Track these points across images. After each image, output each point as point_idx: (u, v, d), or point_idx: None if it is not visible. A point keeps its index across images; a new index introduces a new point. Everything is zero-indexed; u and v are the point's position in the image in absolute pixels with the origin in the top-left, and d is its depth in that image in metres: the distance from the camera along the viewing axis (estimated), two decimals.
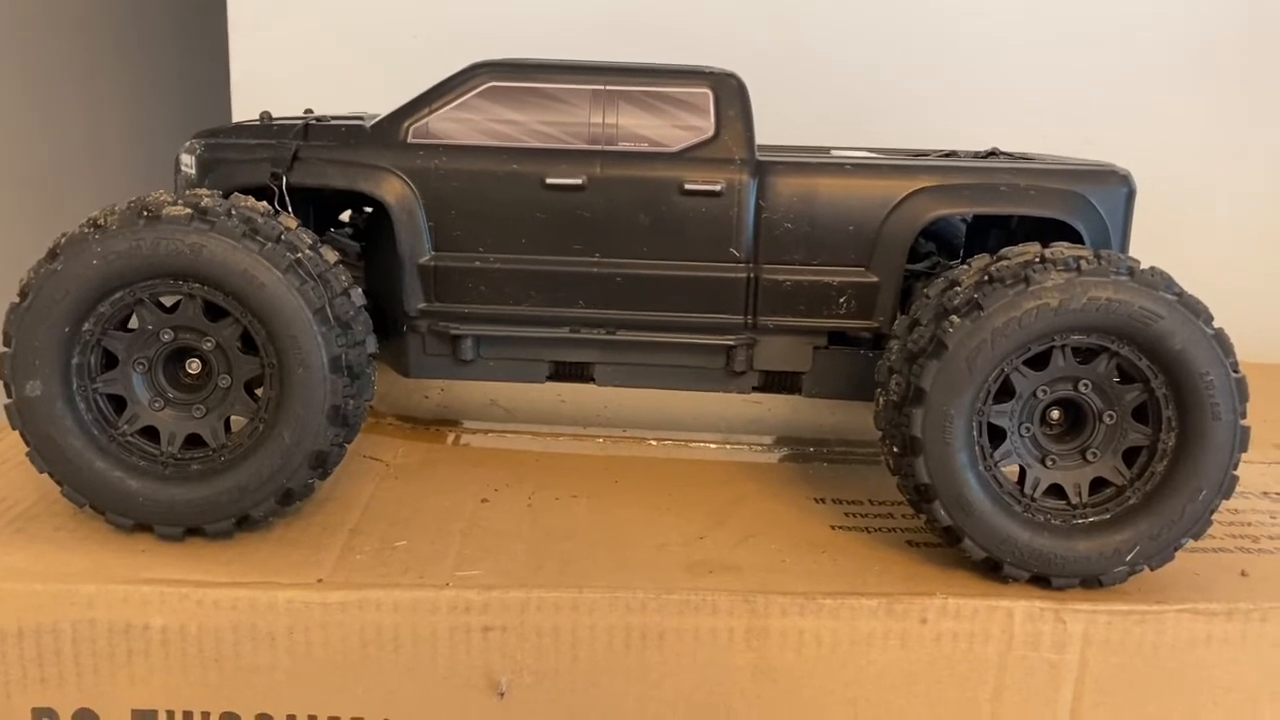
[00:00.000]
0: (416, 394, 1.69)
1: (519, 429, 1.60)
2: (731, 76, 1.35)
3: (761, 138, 1.35)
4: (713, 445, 1.57)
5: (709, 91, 1.34)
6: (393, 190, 1.32)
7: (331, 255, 1.20)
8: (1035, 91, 2.06)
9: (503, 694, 1.12)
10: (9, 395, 1.15)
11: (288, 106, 1.54)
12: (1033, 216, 1.33)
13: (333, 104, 1.65)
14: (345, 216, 1.63)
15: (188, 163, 1.38)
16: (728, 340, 1.36)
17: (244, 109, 2.03)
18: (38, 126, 2.61)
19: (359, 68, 2.04)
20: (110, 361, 1.19)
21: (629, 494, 1.38)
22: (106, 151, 2.85)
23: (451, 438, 1.57)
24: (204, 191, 1.19)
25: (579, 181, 1.32)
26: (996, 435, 1.17)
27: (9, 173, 2.52)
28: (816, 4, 2.04)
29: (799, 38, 2.05)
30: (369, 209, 1.53)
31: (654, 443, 1.57)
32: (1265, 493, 1.44)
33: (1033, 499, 1.17)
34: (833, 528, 1.30)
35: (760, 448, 1.57)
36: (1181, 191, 2.03)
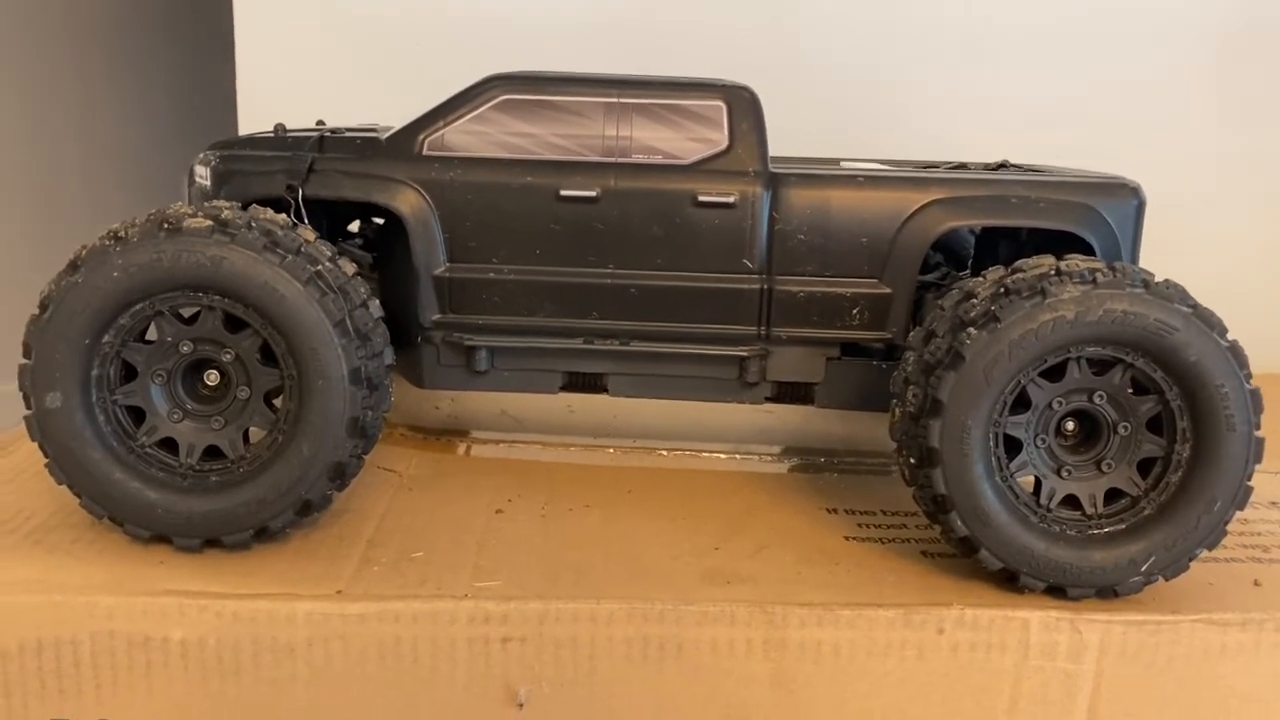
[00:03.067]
0: (428, 404, 1.69)
1: (529, 439, 1.60)
2: (744, 89, 1.35)
3: (769, 149, 1.36)
4: (723, 455, 1.58)
5: (722, 104, 1.34)
6: (408, 202, 1.32)
7: (350, 267, 1.20)
8: (1038, 103, 2.07)
9: (521, 705, 1.12)
10: (29, 407, 1.15)
11: (294, 116, 1.54)
12: (1043, 229, 1.34)
13: (338, 113, 1.65)
14: (354, 227, 1.63)
15: (202, 174, 1.39)
16: (741, 351, 1.37)
17: (250, 118, 2.03)
18: (37, 137, 2.61)
19: (364, 76, 2.05)
20: (129, 373, 1.19)
21: (642, 504, 1.39)
22: (106, 162, 2.85)
23: (462, 448, 1.58)
24: (224, 204, 1.19)
25: (593, 194, 1.32)
26: (1012, 446, 1.18)
27: (6, 184, 2.52)
28: (820, 16, 2.05)
29: (803, 49, 2.05)
30: (380, 220, 1.53)
31: (665, 453, 1.57)
32: (1274, 502, 1.45)
33: (1048, 510, 1.18)
34: (846, 538, 1.31)
35: (770, 458, 1.58)
36: (1186, 201, 2.04)
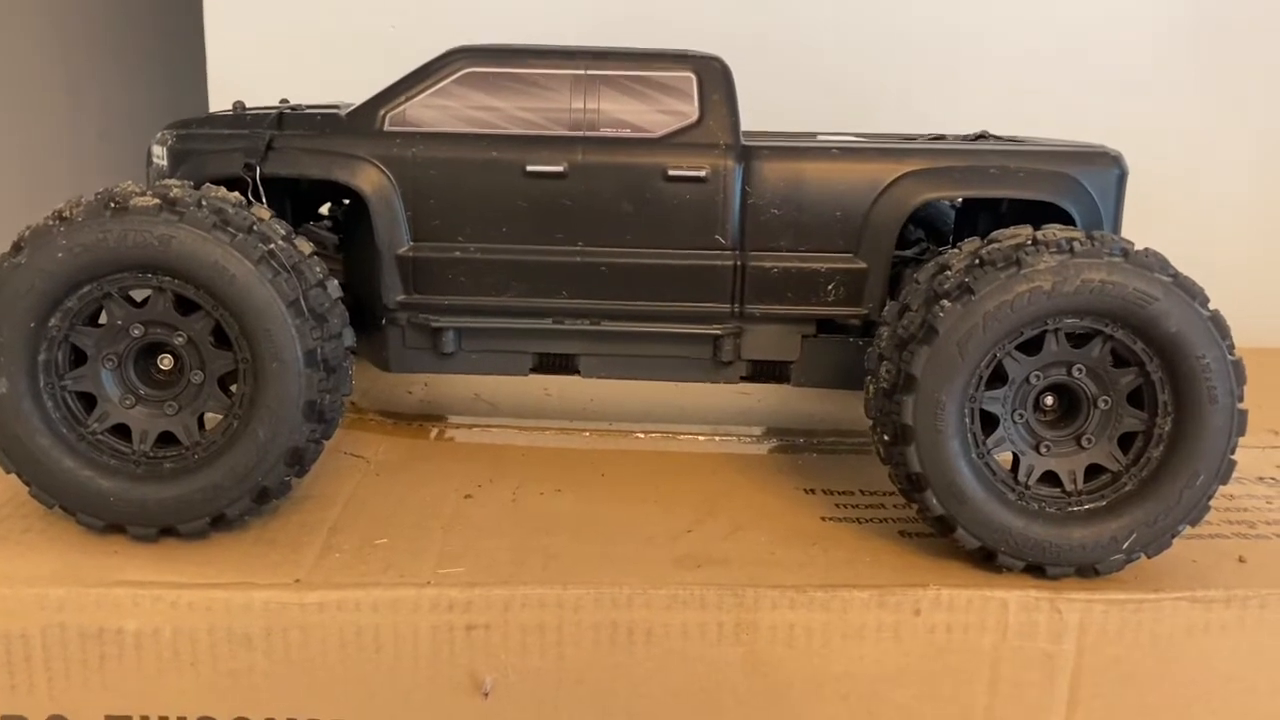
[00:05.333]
0: (399, 389, 1.66)
1: (504, 423, 1.57)
2: (715, 60, 1.32)
3: (745, 125, 1.32)
4: (701, 437, 1.55)
5: (692, 75, 1.31)
6: (369, 179, 1.29)
7: (306, 246, 1.17)
8: (1020, 74, 2.03)
9: (487, 694, 1.09)
10: None
11: (264, 96, 1.51)
12: (1023, 200, 1.31)
13: (309, 94, 1.61)
14: (325, 209, 1.60)
15: (159, 154, 1.35)
16: (714, 329, 1.33)
17: (220, 99, 2.00)
18: (12, 120, 2.57)
19: (336, 57, 2.01)
20: (79, 358, 1.15)
21: (615, 487, 1.36)
22: (83, 145, 2.81)
23: (435, 433, 1.55)
24: (173, 182, 1.16)
25: (560, 169, 1.29)
26: (989, 422, 1.15)
27: None
28: None
29: (781, 22, 2.02)
30: (347, 201, 1.50)
31: (641, 435, 1.54)
32: (1261, 478, 1.42)
33: (1027, 487, 1.15)
34: (823, 519, 1.28)
35: (749, 439, 1.55)
36: (1169, 175, 2.01)
